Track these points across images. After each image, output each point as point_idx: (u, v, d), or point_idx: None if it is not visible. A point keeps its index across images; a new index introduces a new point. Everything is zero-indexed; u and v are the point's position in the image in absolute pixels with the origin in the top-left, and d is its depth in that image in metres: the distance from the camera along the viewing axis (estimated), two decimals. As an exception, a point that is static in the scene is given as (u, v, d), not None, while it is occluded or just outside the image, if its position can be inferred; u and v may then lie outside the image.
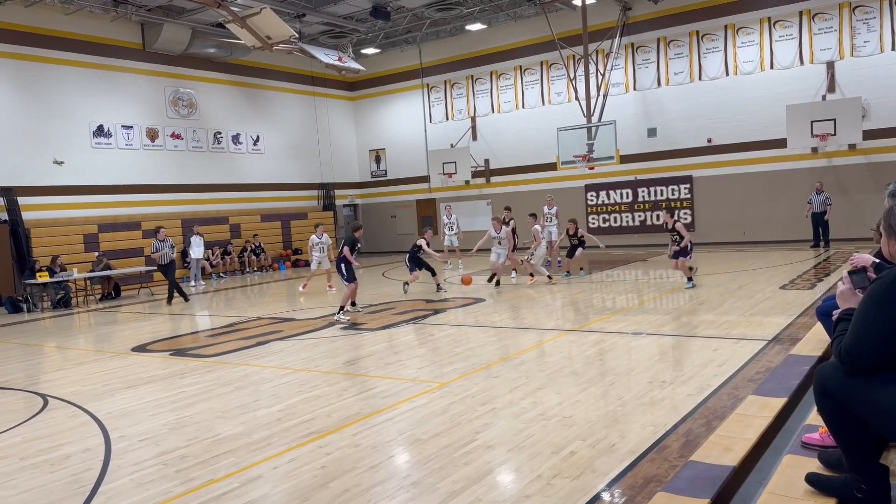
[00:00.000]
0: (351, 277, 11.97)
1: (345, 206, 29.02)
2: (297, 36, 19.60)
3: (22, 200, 18.51)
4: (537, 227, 15.07)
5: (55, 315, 15.64)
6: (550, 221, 17.90)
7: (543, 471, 4.41)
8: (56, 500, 4.52)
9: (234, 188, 24.40)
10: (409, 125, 27.94)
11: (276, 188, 25.91)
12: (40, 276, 16.35)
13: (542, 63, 24.43)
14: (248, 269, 23.06)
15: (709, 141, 21.52)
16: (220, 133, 24.05)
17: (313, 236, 16.57)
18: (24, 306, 16.62)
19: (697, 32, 21.57)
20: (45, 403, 7.11)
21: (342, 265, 12.02)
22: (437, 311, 11.82)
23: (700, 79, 21.64)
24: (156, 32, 21.39)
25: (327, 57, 21.42)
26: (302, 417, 5.96)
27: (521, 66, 24.93)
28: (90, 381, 8.04)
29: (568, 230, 15.32)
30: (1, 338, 12.40)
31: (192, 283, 20.01)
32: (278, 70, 25.97)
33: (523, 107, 25.00)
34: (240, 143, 24.73)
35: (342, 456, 4.95)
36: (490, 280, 15.01)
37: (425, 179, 27.36)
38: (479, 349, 8.45)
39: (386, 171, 29.02)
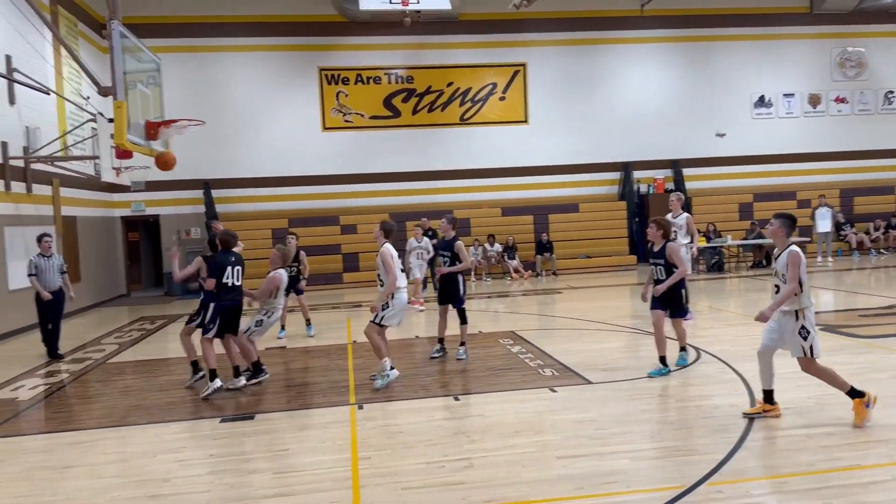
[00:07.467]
0: None
1: None
2: None
3: (686, 171, 20.50)
4: None
5: (709, 278, 16.84)
6: None
7: None
8: (711, 442, 5.01)
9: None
10: None
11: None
12: (700, 242, 17.82)
13: None
14: (914, 246, 20.09)
15: None
16: (892, 93, 21.48)
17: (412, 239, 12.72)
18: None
19: None
20: (698, 356, 7.84)
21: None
22: None
23: None
24: (827, -9, 20.40)
25: None
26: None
27: None
28: (739, 343, 8.45)
29: None
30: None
31: (819, 258, 18.38)
32: (977, 8, 21.42)
33: None
34: (917, 102, 21.60)
35: None
36: None
37: None
38: None
39: None
